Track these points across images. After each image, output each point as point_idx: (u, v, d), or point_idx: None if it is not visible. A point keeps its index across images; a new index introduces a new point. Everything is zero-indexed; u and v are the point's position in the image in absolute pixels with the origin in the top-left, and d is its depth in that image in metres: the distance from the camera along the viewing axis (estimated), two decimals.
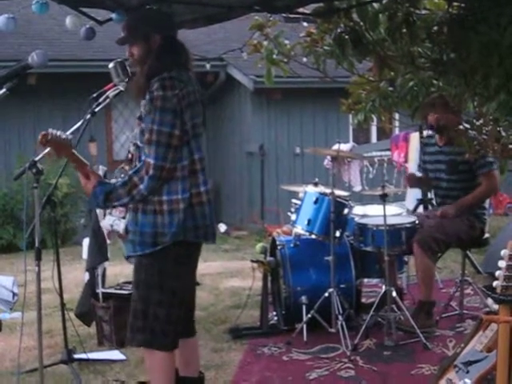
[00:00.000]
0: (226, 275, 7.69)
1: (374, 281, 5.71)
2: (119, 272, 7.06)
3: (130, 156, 3.47)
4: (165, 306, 3.32)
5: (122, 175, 3.38)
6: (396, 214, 5.50)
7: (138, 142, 3.35)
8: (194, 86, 3.37)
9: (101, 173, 3.66)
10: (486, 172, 5.24)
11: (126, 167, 3.47)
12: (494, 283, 2.88)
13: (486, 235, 5.47)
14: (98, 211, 4.62)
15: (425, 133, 5.60)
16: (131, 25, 3.47)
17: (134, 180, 3.25)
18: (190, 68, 3.43)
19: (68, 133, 3.37)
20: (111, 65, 3.52)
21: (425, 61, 4.29)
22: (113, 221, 3.52)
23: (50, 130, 3.24)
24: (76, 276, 7.06)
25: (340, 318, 4.98)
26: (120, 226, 3.46)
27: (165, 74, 3.27)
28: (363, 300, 5.65)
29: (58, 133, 3.26)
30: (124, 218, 3.47)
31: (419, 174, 5.74)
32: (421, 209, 6.25)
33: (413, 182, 5.75)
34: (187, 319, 3.54)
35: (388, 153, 9.24)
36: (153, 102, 3.22)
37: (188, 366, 3.58)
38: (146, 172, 3.22)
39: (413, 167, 7.61)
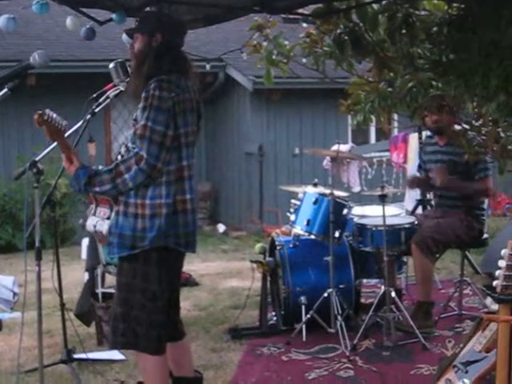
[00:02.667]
0: (225, 275, 7.70)
1: (373, 281, 5.71)
2: None
3: (119, 157, 3.46)
4: (146, 309, 3.29)
5: None
6: (395, 214, 5.51)
7: (130, 144, 3.32)
8: (192, 94, 3.34)
9: None
10: (483, 177, 5.30)
11: None
12: (494, 283, 2.88)
13: (485, 236, 5.49)
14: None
15: (424, 133, 5.60)
16: (142, 17, 3.54)
17: (121, 168, 3.20)
18: (190, 77, 3.39)
19: (67, 134, 3.35)
20: (111, 65, 3.52)
21: (424, 62, 4.29)
22: (96, 221, 3.48)
23: (47, 111, 3.17)
24: (75, 276, 7.06)
25: (339, 318, 4.99)
26: (103, 226, 3.41)
27: (163, 76, 3.25)
28: (362, 300, 5.65)
29: (54, 115, 3.19)
30: (108, 218, 3.42)
31: (418, 175, 5.75)
32: (420, 209, 6.27)
33: (412, 184, 5.77)
34: (173, 323, 3.51)
35: (387, 153, 9.25)
36: (147, 100, 3.19)
37: (180, 368, 3.56)
38: (136, 163, 3.16)
39: (412, 168, 7.64)
